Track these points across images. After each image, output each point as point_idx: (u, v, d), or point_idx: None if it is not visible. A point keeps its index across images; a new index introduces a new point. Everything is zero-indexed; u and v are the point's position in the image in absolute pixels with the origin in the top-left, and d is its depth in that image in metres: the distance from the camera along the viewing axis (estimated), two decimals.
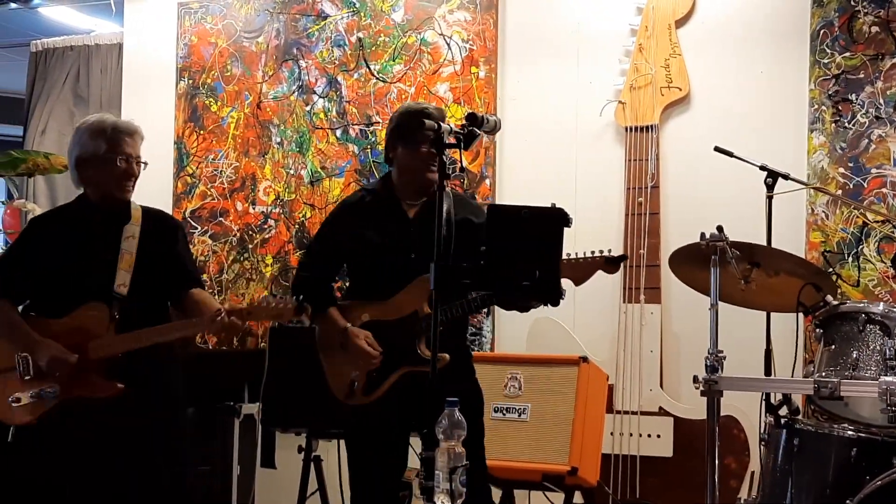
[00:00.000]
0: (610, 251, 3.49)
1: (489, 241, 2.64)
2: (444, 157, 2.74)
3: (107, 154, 3.50)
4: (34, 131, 6.49)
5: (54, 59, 6.50)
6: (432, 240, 2.71)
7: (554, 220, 2.65)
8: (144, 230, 3.59)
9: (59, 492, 3.45)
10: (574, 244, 3.23)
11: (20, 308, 3.64)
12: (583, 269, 3.43)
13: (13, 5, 6.49)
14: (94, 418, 3.41)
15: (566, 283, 3.17)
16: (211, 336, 4.01)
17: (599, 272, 3.49)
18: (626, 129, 4.85)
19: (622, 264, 3.59)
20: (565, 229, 2.68)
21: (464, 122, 2.86)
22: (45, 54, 6.53)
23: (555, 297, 2.67)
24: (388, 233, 3.57)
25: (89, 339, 3.44)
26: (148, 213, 3.68)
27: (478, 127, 2.86)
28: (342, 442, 4.55)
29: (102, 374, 3.42)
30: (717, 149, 4.14)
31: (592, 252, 3.47)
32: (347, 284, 3.83)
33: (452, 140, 2.80)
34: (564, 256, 3.18)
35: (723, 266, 3.36)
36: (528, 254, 2.63)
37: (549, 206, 2.69)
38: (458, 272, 2.67)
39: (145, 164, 3.60)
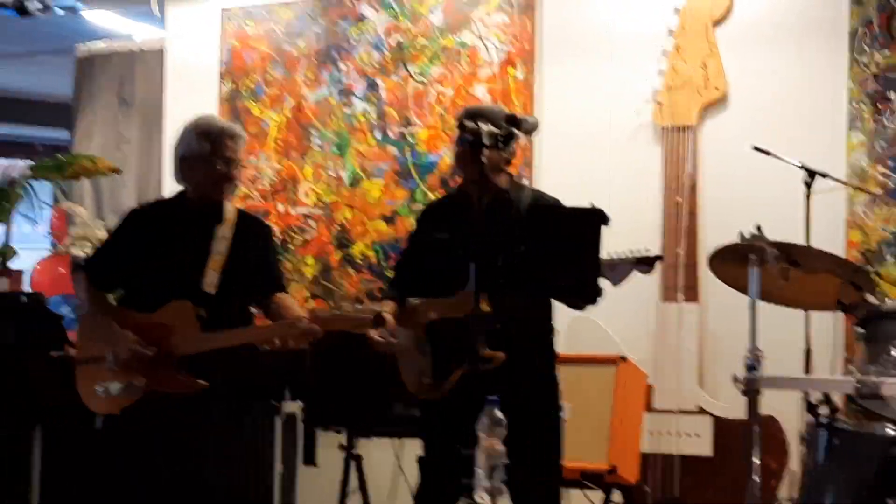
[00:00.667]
0: (648, 250, 3.49)
1: (527, 240, 2.66)
2: (483, 158, 2.77)
3: (210, 156, 3.54)
4: (81, 135, 6.58)
5: (99, 64, 6.59)
6: (498, 236, 2.72)
7: (592, 219, 2.68)
8: (237, 232, 3.62)
9: (143, 483, 3.49)
10: (611, 244, 3.23)
11: (115, 298, 3.72)
12: (619, 270, 3.42)
13: (58, 10, 6.57)
14: (179, 413, 3.45)
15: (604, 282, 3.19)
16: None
17: (636, 272, 3.48)
18: (664, 129, 4.85)
19: (659, 263, 3.57)
20: (603, 228, 2.70)
21: (502, 121, 2.89)
22: (91, 59, 6.61)
23: (593, 296, 2.69)
24: (454, 231, 3.55)
25: (174, 336, 3.47)
26: (242, 215, 3.72)
27: (517, 128, 2.89)
28: (383, 440, 4.62)
29: (185, 371, 3.45)
30: (755, 148, 4.14)
31: (631, 251, 3.46)
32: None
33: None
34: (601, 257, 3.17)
35: (762, 265, 3.36)
36: (566, 253, 2.66)
37: (587, 205, 2.71)
38: (497, 271, 2.70)
39: (244, 166, 3.66)
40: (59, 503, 4.51)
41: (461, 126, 3.22)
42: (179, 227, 3.62)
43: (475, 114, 3.30)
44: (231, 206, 3.69)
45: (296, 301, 3.74)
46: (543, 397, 3.56)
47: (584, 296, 2.68)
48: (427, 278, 3.66)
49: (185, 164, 3.61)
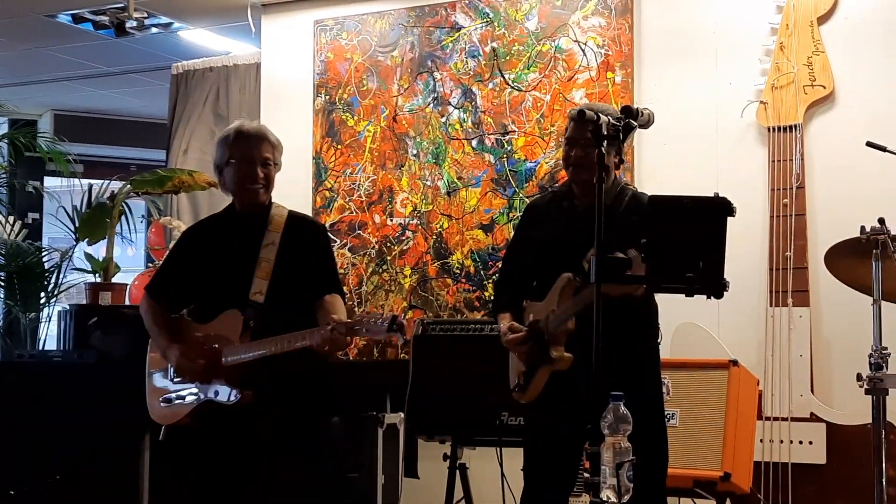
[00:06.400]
0: None
1: (650, 232, 2.60)
2: (603, 150, 2.72)
3: (230, 160, 3.58)
4: (177, 151, 6.66)
5: (194, 80, 6.67)
6: (616, 230, 2.67)
7: (717, 209, 2.61)
8: (285, 237, 3.61)
9: (206, 494, 3.55)
10: None
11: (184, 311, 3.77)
12: None
13: (154, 30, 6.68)
14: (235, 423, 3.48)
15: None
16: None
17: None
18: (769, 129, 4.75)
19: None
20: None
21: (619, 115, 2.84)
22: (186, 76, 6.70)
23: (719, 289, 2.61)
24: (554, 229, 3.53)
25: (224, 346, 3.50)
26: (292, 218, 3.69)
27: (633, 119, 2.84)
28: (488, 450, 4.58)
29: (235, 382, 3.46)
30: (869, 144, 4.01)
31: None
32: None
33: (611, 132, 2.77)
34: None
35: (884, 260, 3.26)
36: (691, 245, 2.59)
37: (712, 195, 2.65)
38: (619, 264, 2.64)
39: (277, 167, 3.64)
40: None
41: (579, 117, 3.16)
42: (227, 236, 3.66)
43: (589, 108, 3.21)
44: (281, 210, 3.68)
45: (343, 305, 3.60)
46: (649, 402, 3.48)
47: (710, 288, 2.60)
48: (540, 277, 3.60)
49: (218, 174, 3.67)
